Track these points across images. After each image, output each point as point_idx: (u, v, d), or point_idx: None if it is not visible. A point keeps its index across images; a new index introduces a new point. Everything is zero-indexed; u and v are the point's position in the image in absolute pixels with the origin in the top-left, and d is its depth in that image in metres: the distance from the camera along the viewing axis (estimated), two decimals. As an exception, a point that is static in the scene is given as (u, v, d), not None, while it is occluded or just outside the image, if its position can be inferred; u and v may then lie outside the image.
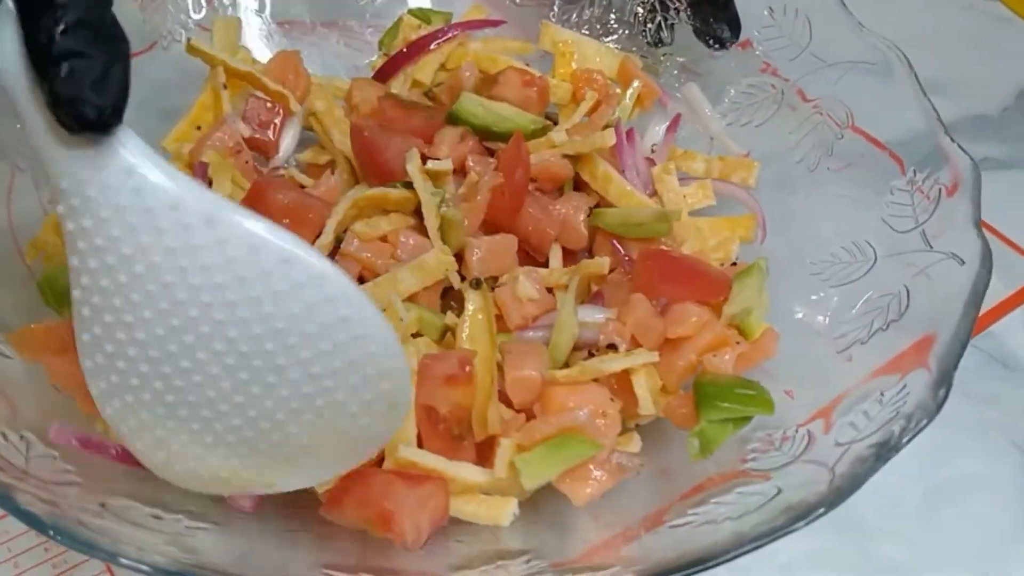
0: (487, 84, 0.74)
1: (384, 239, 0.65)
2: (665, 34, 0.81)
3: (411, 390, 0.51)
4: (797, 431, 0.56)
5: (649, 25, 0.82)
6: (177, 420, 0.47)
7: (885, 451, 0.49)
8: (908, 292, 0.60)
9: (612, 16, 0.84)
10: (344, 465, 0.52)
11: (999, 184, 0.82)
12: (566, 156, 0.69)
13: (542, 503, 0.56)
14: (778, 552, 0.61)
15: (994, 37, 1.02)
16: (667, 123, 0.78)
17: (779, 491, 0.50)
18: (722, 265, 0.68)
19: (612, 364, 0.59)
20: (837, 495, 0.48)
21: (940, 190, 0.63)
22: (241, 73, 0.73)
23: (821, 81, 0.74)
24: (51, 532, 0.44)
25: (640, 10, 0.82)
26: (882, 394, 0.54)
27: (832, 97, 0.73)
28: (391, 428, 0.50)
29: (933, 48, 0.89)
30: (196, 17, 0.78)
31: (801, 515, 0.47)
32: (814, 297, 0.66)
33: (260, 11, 0.82)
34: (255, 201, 0.65)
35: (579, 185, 0.71)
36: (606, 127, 0.71)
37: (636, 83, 0.76)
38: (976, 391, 0.71)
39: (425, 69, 0.78)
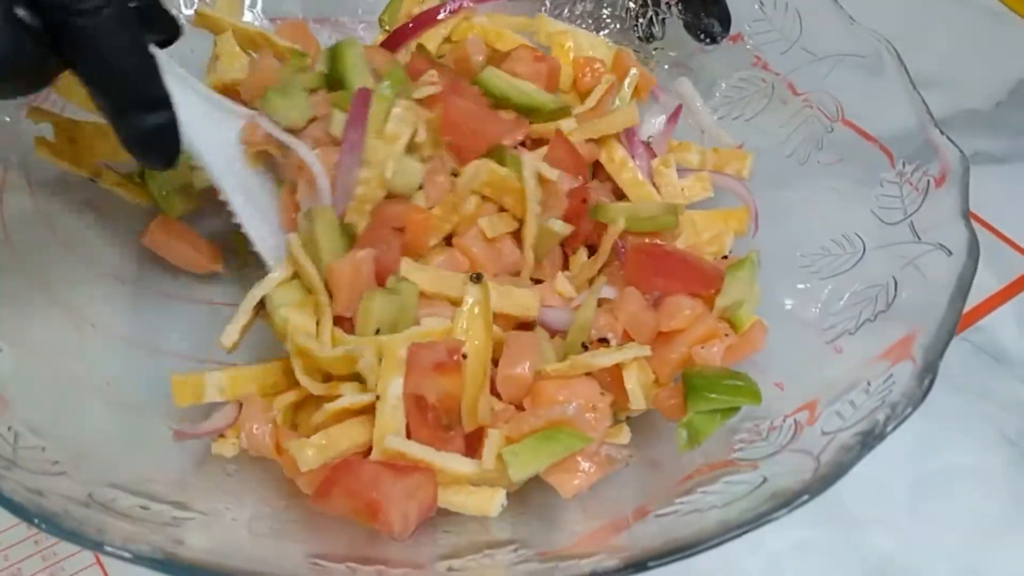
0: (496, 60, 0.73)
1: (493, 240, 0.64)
2: (656, 29, 0.81)
3: None
4: (784, 421, 0.56)
5: (640, 20, 0.82)
6: None
7: (870, 439, 0.49)
8: (896, 283, 0.60)
9: (604, 11, 0.84)
10: None
11: (992, 178, 0.83)
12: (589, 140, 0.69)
13: (530, 494, 0.56)
14: (767, 542, 0.61)
15: (987, 32, 1.02)
16: (663, 115, 0.78)
17: (765, 480, 0.50)
18: (715, 258, 0.68)
19: (603, 359, 0.59)
20: (822, 483, 0.48)
21: (929, 182, 0.63)
22: (251, 34, 0.72)
23: (811, 75, 0.74)
24: (35, 520, 0.44)
25: (632, 5, 0.82)
26: (868, 384, 0.54)
27: (822, 91, 0.73)
28: None
29: (926, 43, 0.89)
30: (187, 13, 0.78)
31: (785, 502, 0.47)
32: (803, 288, 0.66)
33: (252, 6, 0.82)
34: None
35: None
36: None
37: (633, 71, 0.76)
38: (966, 384, 0.71)
39: (430, 41, 0.77)
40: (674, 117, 0.77)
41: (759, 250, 0.65)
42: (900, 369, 0.53)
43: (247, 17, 0.81)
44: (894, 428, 0.50)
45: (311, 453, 0.54)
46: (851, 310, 0.62)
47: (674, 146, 0.76)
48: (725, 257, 0.69)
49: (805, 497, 0.47)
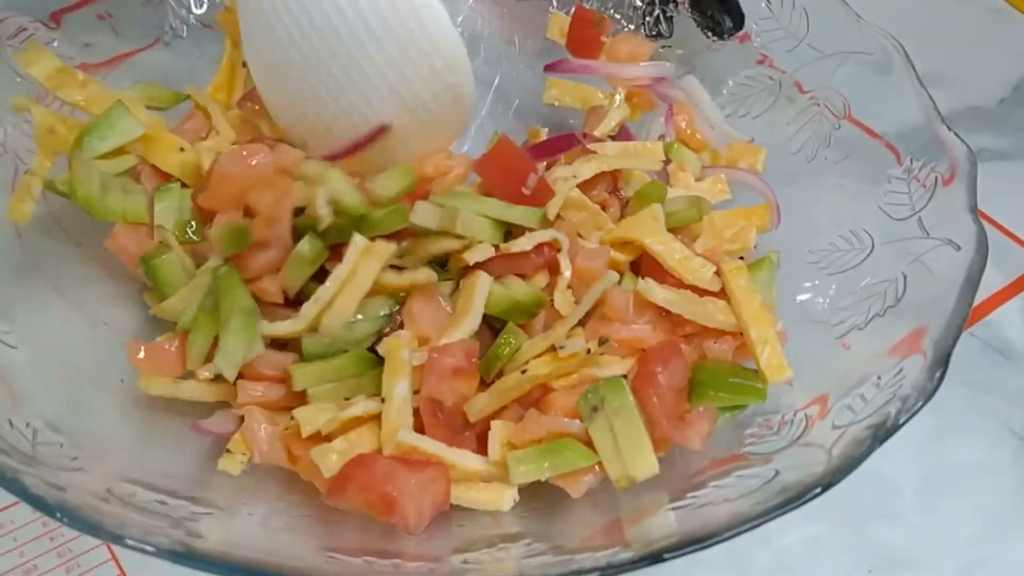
0: None
1: None
2: (664, 27, 0.82)
3: (473, 88, 0.64)
4: (795, 415, 0.56)
5: (648, 18, 0.82)
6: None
7: (882, 432, 0.50)
8: (905, 278, 0.61)
9: (610, 10, 0.84)
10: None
11: (996, 175, 0.83)
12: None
13: (542, 488, 0.57)
14: (776, 538, 0.62)
15: (991, 29, 1.02)
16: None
17: (777, 473, 0.51)
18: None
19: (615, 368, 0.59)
20: (834, 476, 0.48)
21: (936, 178, 0.64)
22: None
23: (818, 72, 0.74)
24: (57, 514, 0.45)
25: (638, 3, 0.82)
26: (879, 378, 0.54)
27: (829, 88, 0.73)
28: (459, 121, 0.66)
29: (930, 40, 0.89)
30: (198, 12, 0.79)
31: (798, 495, 0.47)
32: (812, 285, 0.66)
33: (261, 6, 0.82)
34: None
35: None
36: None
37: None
38: (973, 379, 0.72)
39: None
40: (668, 116, 0.77)
41: (778, 251, 0.65)
42: (910, 363, 0.53)
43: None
44: (905, 421, 0.50)
45: (335, 459, 0.54)
46: (860, 305, 0.62)
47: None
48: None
49: (817, 490, 0.48)
